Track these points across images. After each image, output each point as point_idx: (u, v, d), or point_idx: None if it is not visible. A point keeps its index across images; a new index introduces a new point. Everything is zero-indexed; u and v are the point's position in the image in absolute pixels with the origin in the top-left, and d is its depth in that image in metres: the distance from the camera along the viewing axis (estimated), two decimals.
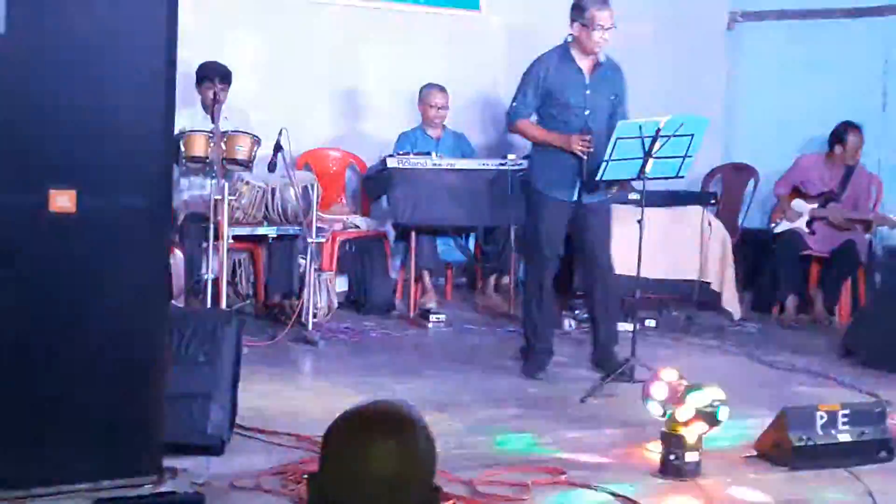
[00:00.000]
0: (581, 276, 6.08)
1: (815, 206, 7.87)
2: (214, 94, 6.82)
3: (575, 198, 5.79)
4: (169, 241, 5.09)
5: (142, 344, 3.95)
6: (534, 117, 5.96)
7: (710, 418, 4.46)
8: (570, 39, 5.84)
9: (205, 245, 6.48)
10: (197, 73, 6.96)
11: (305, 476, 2.82)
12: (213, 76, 6.90)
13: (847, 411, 4.75)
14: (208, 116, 6.80)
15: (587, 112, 5.81)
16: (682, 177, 5.82)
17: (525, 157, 6.76)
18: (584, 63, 5.84)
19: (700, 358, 6.59)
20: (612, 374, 5.59)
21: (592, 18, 5.69)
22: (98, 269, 3.88)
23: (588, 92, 5.84)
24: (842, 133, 7.86)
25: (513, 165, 7.09)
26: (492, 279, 7.82)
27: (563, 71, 5.83)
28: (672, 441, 4.46)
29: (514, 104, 5.92)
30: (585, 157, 5.69)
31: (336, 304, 7.02)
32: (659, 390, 4.67)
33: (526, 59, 6.03)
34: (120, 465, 3.93)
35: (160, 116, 3.89)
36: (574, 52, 5.84)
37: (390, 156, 7.18)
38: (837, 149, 7.88)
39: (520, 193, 6.70)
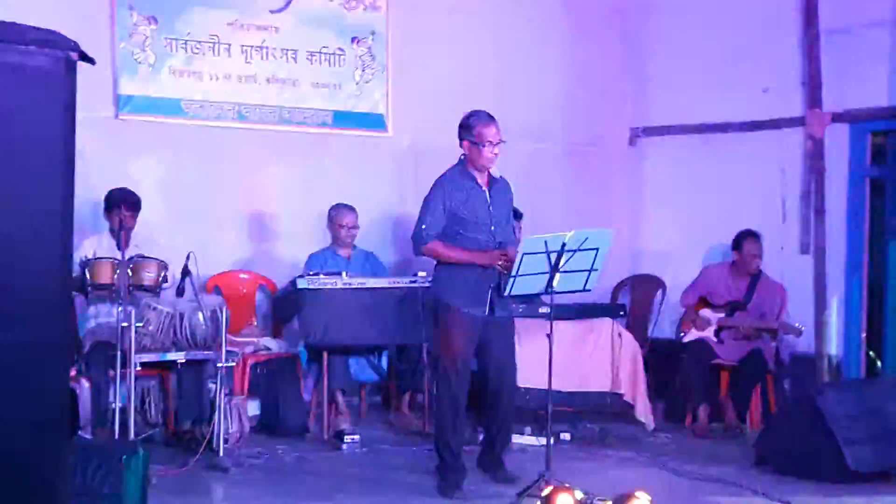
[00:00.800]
0: (486, 387, 6.07)
1: (723, 315, 8.00)
2: (121, 221, 6.77)
3: (487, 312, 5.84)
4: (68, 373, 4.99)
5: (40, 481, 3.83)
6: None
7: None
8: (463, 158, 5.98)
9: (112, 373, 6.36)
10: (105, 200, 6.94)
11: None
12: (121, 204, 6.87)
13: None
14: (124, 244, 6.73)
15: (493, 227, 5.92)
16: (590, 290, 5.88)
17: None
18: (481, 179, 5.98)
19: (616, 470, 6.59)
20: (527, 489, 5.56)
21: (480, 135, 5.86)
22: None
23: (490, 207, 5.96)
24: (739, 240, 8.06)
25: (424, 283, 7.13)
26: (406, 397, 7.78)
27: (465, 188, 5.96)
28: None
29: (423, 227, 5.96)
30: (505, 272, 5.76)
31: (248, 429, 6.92)
32: None
33: (434, 177, 6.12)
34: None
35: (57, 249, 3.85)
36: (470, 169, 5.96)
37: (300, 276, 7.17)
38: (737, 256, 8.06)
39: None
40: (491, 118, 5.92)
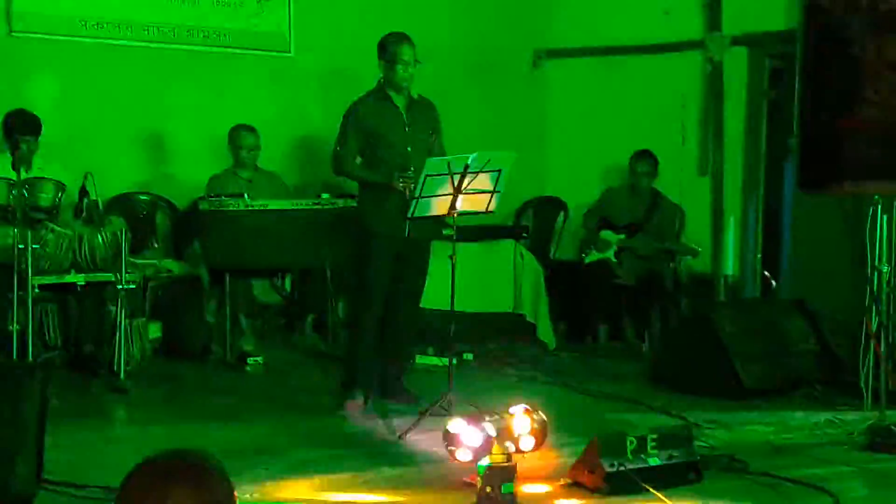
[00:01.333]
0: (389, 305, 6.10)
1: (623, 236, 8.12)
2: (27, 146, 6.62)
3: (406, 234, 5.86)
4: None
5: None
6: (358, 159, 6.07)
7: None
8: (381, 81, 6.00)
9: (10, 295, 6.25)
10: (5, 123, 6.74)
11: None
12: (24, 130, 6.68)
13: (655, 435, 4.88)
14: (17, 167, 6.55)
15: (409, 149, 5.94)
16: (493, 212, 5.92)
17: (342, 196, 6.79)
18: (400, 101, 6.00)
19: (517, 389, 6.69)
20: (429, 407, 5.62)
21: (394, 55, 5.91)
22: None
23: (407, 129, 5.99)
24: (632, 161, 8.17)
25: (327, 205, 7.10)
26: (309, 319, 7.79)
27: (381, 110, 5.99)
28: (488, 474, 4.50)
29: (338, 149, 6.04)
30: (407, 193, 5.77)
31: (150, 352, 6.88)
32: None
33: (341, 100, 6.12)
34: None
35: None
36: (389, 92, 5.98)
37: (202, 198, 7.09)
38: (632, 177, 8.17)
39: (335, 233, 6.70)
40: (407, 38, 5.98)
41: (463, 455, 4.83)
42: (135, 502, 1.91)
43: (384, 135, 5.98)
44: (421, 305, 6.28)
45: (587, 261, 8.16)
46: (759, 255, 8.73)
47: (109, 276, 6.46)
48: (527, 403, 5.18)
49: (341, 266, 6.84)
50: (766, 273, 8.77)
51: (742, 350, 6.47)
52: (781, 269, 8.69)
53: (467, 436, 4.83)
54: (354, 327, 6.16)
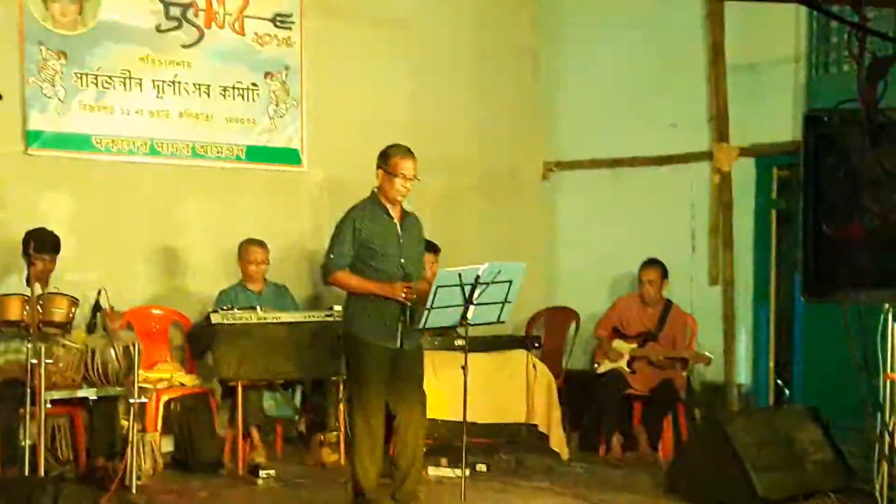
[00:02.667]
0: (396, 422, 6.07)
1: (635, 345, 8.11)
2: (44, 264, 6.70)
3: (398, 345, 5.86)
4: None
5: None
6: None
7: None
8: (375, 190, 6.04)
9: (22, 411, 6.26)
10: (25, 242, 6.79)
11: None
12: (42, 249, 6.74)
13: None
14: (32, 283, 6.60)
15: (402, 260, 5.96)
16: (504, 322, 5.94)
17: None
18: (394, 211, 6.05)
19: (531, 500, 6.64)
20: None
21: (395, 166, 5.94)
22: None
23: (402, 240, 6.01)
24: (641, 270, 8.21)
25: (338, 317, 7.11)
26: (321, 432, 7.74)
27: (377, 220, 6.02)
28: None
29: (332, 256, 6.01)
30: (409, 304, 5.80)
31: (161, 465, 6.84)
32: None
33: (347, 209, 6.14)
34: None
35: None
36: (384, 202, 6.01)
37: (214, 311, 7.13)
38: (641, 286, 8.20)
39: None
40: (410, 153, 6.00)
41: None
42: None
43: (380, 245, 5.98)
44: (433, 416, 6.26)
45: (599, 371, 8.14)
46: (771, 363, 8.70)
47: (121, 391, 6.47)
48: None
49: None
50: (779, 381, 8.74)
51: (757, 460, 6.41)
52: (794, 375, 8.65)
53: None
54: (354, 439, 6.09)
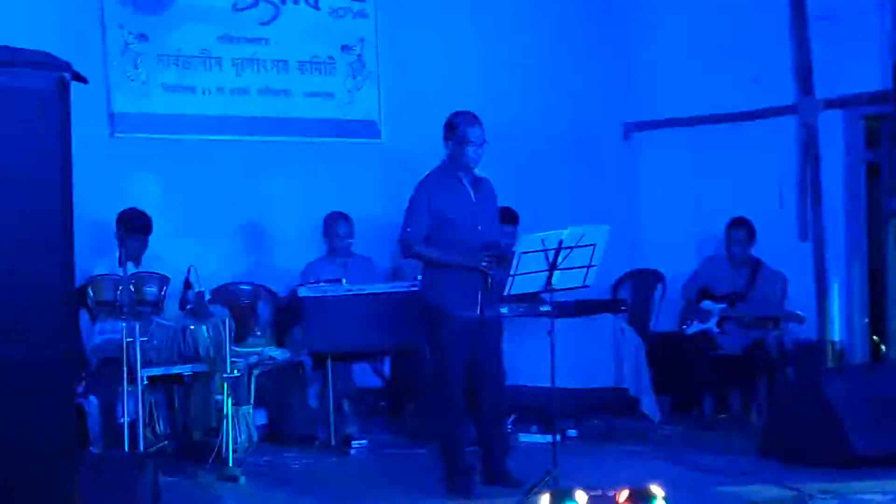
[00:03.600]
0: (476, 393, 6.07)
1: (724, 305, 8.01)
2: (137, 244, 6.85)
3: (478, 313, 5.85)
4: (73, 389, 5.03)
5: (51, 499, 3.86)
6: None
7: None
8: (446, 158, 6.02)
9: (120, 389, 6.39)
10: (117, 223, 6.95)
11: None
12: (134, 229, 6.88)
13: None
14: (124, 263, 6.73)
15: (479, 227, 5.94)
16: (588, 286, 5.90)
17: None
18: (466, 179, 6.02)
19: (623, 464, 6.61)
20: (534, 486, 5.57)
21: (465, 135, 5.90)
22: None
23: (476, 208, 5.98)
24: (728, 229, 8.09)
25: None
26: (410, 402, 7.79)
27: (449, 188, 5.99)
28: None
29: (409, 230, 5.99)
30: (490, 273, 5.78)
31: (256, 438, 6.94)
32: None
33: None
34: None
35: (57, 268, 3.90)
36: (456, 171, 6.00)
37: (301, 285, 7.20)
38: (728, 245, 8.09)
39: None
40: (476, 119, 5.96)
41: None
42: None
43: (455, 214, 5.95)
44: (521, 383, 6.25)
45: (689, 332, 8.06)
46: (866, 319, 8.54)
47: (214, 367, 6.57)
48: (635, 482, 5.10)
49: None
50: (875, 337, 8.58)
51: (854, 418, 6.31)
52: (889, 331, 8.49)
53: None
54: (440, 414, 6.10)
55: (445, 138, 5.98)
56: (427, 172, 6.08)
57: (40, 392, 3.88)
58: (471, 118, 5.96)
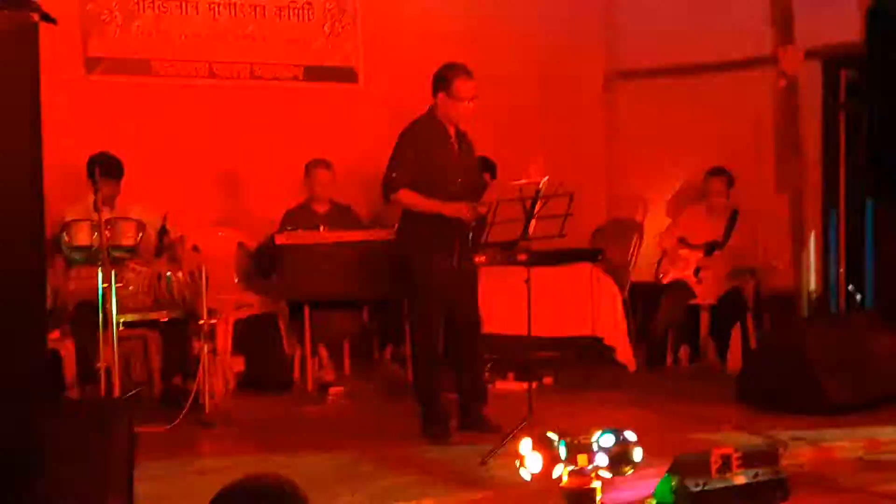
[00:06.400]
0: (452, 340, 6.08)
1: (701, 255, 8.03)
2: (109, 189, 6.77)
3: (456, 262, 5.85)
4: (44, 334, 4.99)
5: (22, 442, 3.85)
6: None
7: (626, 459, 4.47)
8: (432, 108, 5.97)
9: (96, 334, 6.37)
10: (89, 167, 6.87)
11: None
12: (107, 174, 6.81)
13: (741, 454, 4.80)
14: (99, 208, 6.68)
15: (460, 179, 5.94)
16: (565, 235, 5.89)
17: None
18: (451, 130, 5.98)
19: (598, 411, 6.65)
20: (511, 433, 5.59)
21: (456, 89, 5.84)
22: None
23: (459, 160, 5.97)
24: (706, 179, 8.10)
25: None
26: (388, 349, 7.81)
27: (436, 138, 5.96)
28: (573, 498, 4.45)
29: (393, 174, 5.94)
30: (472, 223, 5.77)
31: (233, 384, 6.95)
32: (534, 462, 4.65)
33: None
34: None
35: (26, 213, 3.86)
36: (441, 121, 5.96)
37: (278, 232, 7.17)
38: (706, 195, 8.09)
39: None
40: (468, 73, 5.89)
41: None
42: None
43: (438, 161, 5.93)
44: (498, 331, 6.26)
45: (665, 281, 8.07)
46: (842, 269, 8.58)
47: (191, 313, 6.55)
48: (611, 426, 5.12)
49: None
50: (851, 286, 8.62)
51: (828, 365, 6.36)
52: (867, 281, 8.53)
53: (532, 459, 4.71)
54: (418, 362, 6.13)
55: (435, 90, 5.92)
56: (413, 120, 6.03)
57: (10, 335, 3.85)
58: (462, 72, 5.88)
